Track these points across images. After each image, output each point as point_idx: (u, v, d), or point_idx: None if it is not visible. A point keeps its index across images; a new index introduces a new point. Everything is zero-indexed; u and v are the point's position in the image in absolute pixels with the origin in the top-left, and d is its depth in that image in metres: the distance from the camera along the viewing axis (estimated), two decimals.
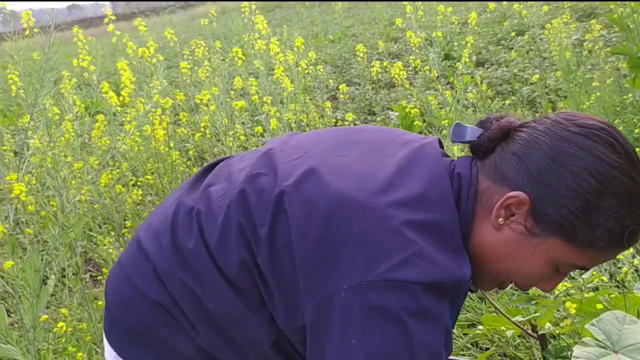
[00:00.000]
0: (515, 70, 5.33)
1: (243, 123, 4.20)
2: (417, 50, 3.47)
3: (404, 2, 3.53)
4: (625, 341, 1.17)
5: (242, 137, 2.74)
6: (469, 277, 0.95)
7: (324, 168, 1.00)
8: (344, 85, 3.89)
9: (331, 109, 5.11)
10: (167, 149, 2.48)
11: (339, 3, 10.79)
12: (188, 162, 3.01)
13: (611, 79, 3.56)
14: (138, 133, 2.44)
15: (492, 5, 5.78)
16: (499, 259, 1.00)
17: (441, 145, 1.10)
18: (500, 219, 0.97)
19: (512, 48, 6.59)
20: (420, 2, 3.50)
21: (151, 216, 1.16)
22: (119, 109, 2.59)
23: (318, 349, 0.92)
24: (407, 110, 3.89)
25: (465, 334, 1.82)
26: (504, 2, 6.75)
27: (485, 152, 1.02)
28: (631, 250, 1.98)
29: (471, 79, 5.35)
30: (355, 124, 5.20)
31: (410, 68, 4.29)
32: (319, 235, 0.93)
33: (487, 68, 6.28)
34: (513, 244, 0.98)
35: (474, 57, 6.56)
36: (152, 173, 2.53)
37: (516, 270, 1.01)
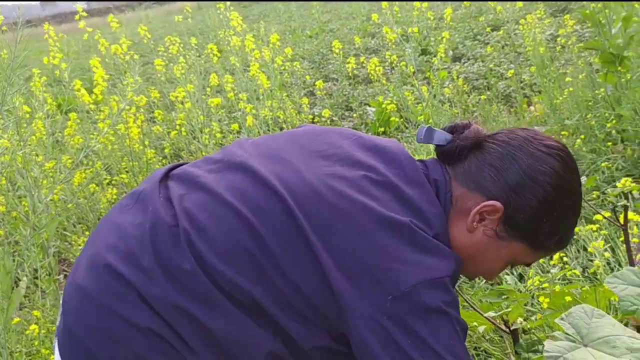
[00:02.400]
0: (491, 65, 5.37)
1: (220, 120, 4.18)
2: (394, 46, 3.48)
3: None
4: (594, 334, 1.19)
5: (219, 135, 2.72)
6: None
7: (320, 183, 1.02)
8: (320, 81, 3.89)
9: (308, 105, 5.11)
10: (141, 147, 2.46)
11: None
12: (164, 161, 2.98)
13: (583, 74, 3.61)
14: (112, 132, 2.40)
15: (467, 2, 5.80)
16: (469, 256, 1.09)
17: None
18: (475, 223, 1.08)
19: (488, 43, 6.63)
20: None
21: (102, 237, 1.05)
22: (92, 106, 2.55)
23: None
24: (383, 106, 3.90)
25: None
26: None
27: (455, 159, 1.10)
28: (602, 244, 2.02)
29: (448, 74, 5.39)
30: (332, 120, 5.21)
31: (387, 63, 4.30)
32: (344, 257, 0.96)
33: (464, 63, 6.31)
34: (482, 245, 1.09)
35: (451, 52, 6.58)
36: (127, 172, 2.50)
37: (481, 267, 1.13)
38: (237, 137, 2.89)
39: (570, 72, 3.87)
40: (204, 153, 2.72)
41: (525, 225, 1.07)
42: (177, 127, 2.84)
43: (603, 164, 2.81)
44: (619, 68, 3.26)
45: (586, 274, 2.27)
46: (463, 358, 0.98)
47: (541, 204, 1.05)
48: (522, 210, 1.05)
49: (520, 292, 1.79)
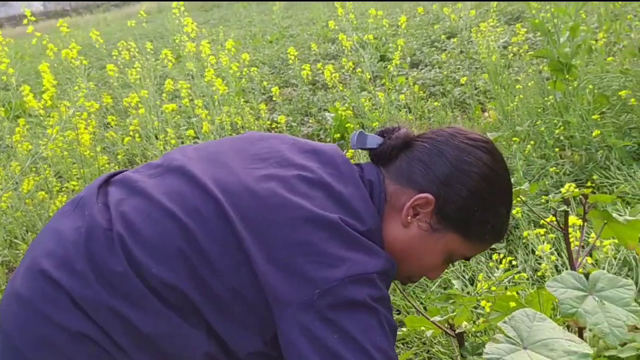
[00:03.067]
0: (445, 73, 5.47)
1: (180, 125, 4.14)
2: (350, 53, 3.51)
3: (337, 4, 3.57)
4: (534, 337, 1.23)
5: (174, 141, 2.70)
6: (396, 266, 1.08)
7: (254, 184, 1.04)
8: (276, 87, 3.89)
9: (267, 111, 5.11)
10: (93, 153, 2.41)
11: (277, 3, 10.76)
12: (116, 167, 2.93)
13: (533, 82, 3.71)
14: (61, 138, 2.35)
15: (420, 9, 5.89)
16: (406, 252, 1.13)
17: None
18: (409, 217, 1.11)
19: (444, 50, 6.75)
20: (351, 5, 3.54)
21: (42, 243, 1.06)
22: (42, 112, 2.49)
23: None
24: (339, 112, 3.93)
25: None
26: (434, 5, 6.92)
27: (388, 159, 1.14)
28: (549, 247, 2.07)
29: (405, 80, 5.48)
30: (290, 126, 5.22)
31: (345, 69, 4.33)
32: (275, 252, 0.98)
33: (421, 69, 6.41)
34: (418, 239, 1.12)
35: (409, 59, 6.68)
36: (78, 179, 2.45)
37: (419, 262, 1.16)
38: (195, 143, 2.87)
39: (522, 80, 3.97)
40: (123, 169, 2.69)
41: (458, 215, 1.10)
42: (131, 133, 2.80)
43: (551, 169, 2.90)
44: (567, 76, 3.37)
45: (535, 277, 2.33)
46: (389, 355, 1.00)
47: (471, 193, 1.09)
48: (453, 200, 1.10)
49: (469, 295, 1.83)
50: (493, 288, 1.92)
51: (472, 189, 1.10)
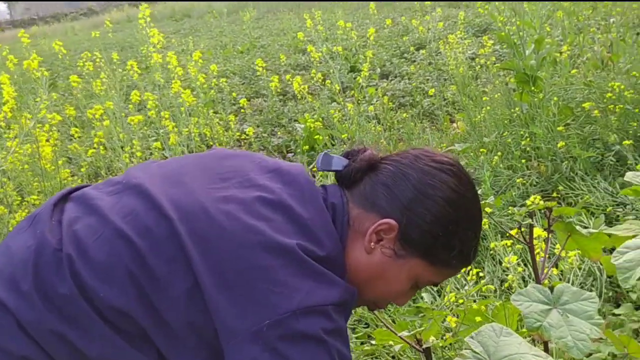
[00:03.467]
0: (414, 84, 5.52)
1: (147, 137, 4.08)
2: (319, 64, 3.51)
3: (304, 16, 3.57)
4: (501, 353, 1.23)
5: (139, 154, 2.65)
6: (357, 294, 1.05)
7: (211, 205, 1.01)
8: (244, 99, 3.87)
9: (236, 122, 5.07)
10: (54, 167, 2.36)
11: (247, 14, 10.76)
12: (79, 181, 2.87)
13: (500, 93, 3.76)
14: (21, 150, 2.29)
15: (389, 21, 5.94)
16: (370, 279, 1.09)
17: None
18: (372, 243, 1.07)
19: (414, 61, 6.82)
20: (320, 16, 3.54)
21: None
22: (2, 124, 2.43)
23: None
24: (308, 123, 3.93)
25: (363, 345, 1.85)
26: (403, 18, 6.98)
27: (353, 182, 1.11)
28: (516, 258, 2.09)
29: (375, 91, 5.51)
30: (262, 137, 5.20)
31: (314, 81, 4.34)
32: (225, 277, 0.95)
33: (391, 80, 6.46)
34: (382, 265, 1.08)
35: (378, 70, 6.72)
36: (39, 192, 2.39)
37: (384, 288, 1.11)
38: (162, 155, 2.83)
39: (489, 91, 4.03)
40: (123, 170, 2.65)
41: (422, 240, 1.07)
42: (96, 145, 2.75)
43: (518, 180, 2.93)
44: (533, 88, 3.42)
45: (502, 288, 2.34)
46: None
47: (435, 218, 1.06)
48: (417, 225, 1.06)
49: (438, 308, 1.82)
50: (461, 301, 1.93)
51: (436, 213, 1.07)
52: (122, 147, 2.64)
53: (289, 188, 1.07)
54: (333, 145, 4.24)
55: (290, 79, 4.83)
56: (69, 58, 3.75)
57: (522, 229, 1.48)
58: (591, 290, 2.22)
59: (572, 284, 2.18)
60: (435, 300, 2.06)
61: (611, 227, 2.36)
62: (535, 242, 1.89)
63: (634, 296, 2.07)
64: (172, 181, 1.07)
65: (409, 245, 1.07)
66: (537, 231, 1.83)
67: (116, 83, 2.95)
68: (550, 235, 1.54)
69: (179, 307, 0.96)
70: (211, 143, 3.77)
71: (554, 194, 2.86)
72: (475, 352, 1.20)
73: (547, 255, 1.54)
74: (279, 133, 5.31)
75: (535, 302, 1.34)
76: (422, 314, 1.57)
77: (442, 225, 1.07)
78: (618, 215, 2.67)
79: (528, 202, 2.10)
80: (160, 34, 2.86)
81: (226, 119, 4.08)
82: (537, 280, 1.51)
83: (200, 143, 3.72)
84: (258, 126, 5.51)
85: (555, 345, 1.29)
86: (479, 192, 3.06)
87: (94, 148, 2.72)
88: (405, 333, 1.41)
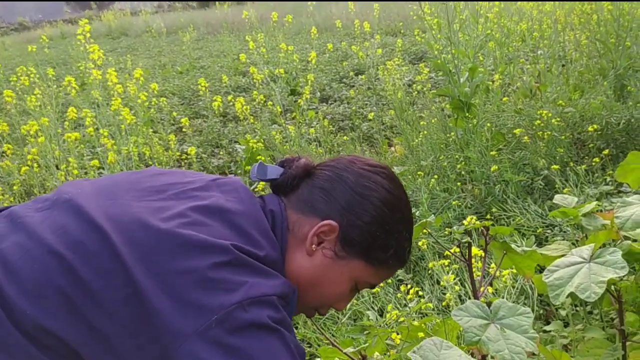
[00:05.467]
0: (354, 108, 5.63)
1: (83, 155, 3.97)
2: (261, 86, 3.53)
3: (247, 38, 3.59)
4: None
5: (76, 172, 2.57)
6: (297, 291, 1.06)
7: (146, 215, 1.00)
8: (186, 119, 3.84)
9: (176, 142, 5.01)
10: None
11: (187, 35, 10.69)
12: (12, 199, 2.76)
13: (435, 119, 3.89)
14: None
15: (330, 45, 6.06)
16: (312, 282, 1.11)
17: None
18: (313, 246, 1.09)
19: (353, 86, 6.96)
20: (262, 39, 3.58)
21: None
22: None
23: None
24: (250, 144, 3.93)
25: None
26: (343, 43, 7.13)
27: (290, 189, 1.14)
28: (453, 277, 2.16)
29: (315, 114, 5.59)
30: (202, 158, 5.15)
31: (256, 102, 4.35)
32: (166, 281, 0.94)
33: (331, 104, 6.56)
34: (324, 267, 1.11)
35: (318, 93, 6.82)
36: None
37: (326, 291, 1.14)
38: (99, 174, 2.76)
39: (426, 116, 4.16)
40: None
41: (361, 240, 1.10)
42: (29, 162, 2.65)
43: (454, 202, 3.03)
44: (467, 114, 3.56)
45: (441, 307, 2.41)
46: None
47: (373, 218, 1.10)
48: (356, 225, 1.10)
49: (381, 327, 1.85)
50: (402, 319, 1.97)
51: (374, 213, 1.11)
52: (57, 166, 2.55)
53: (226, 196, 1.08)
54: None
55: (232, 100, 4.84)
56: (1, 73, 3.60)
57: (461, 247, 1.54)
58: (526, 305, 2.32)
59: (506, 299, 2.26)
60: (377, 320, 2.09)
61: (541, 247, 2.48)
62: (472, 260, 1.97)
63: (563, 313, 2.17)
64: (105, 195, 1.06)
65: (349, 245, 1.10)
66: (474, 250, 1.91)
67: (52, 99, 2.86)
68: (485, 255, 1.61)
69: (119, 319, 0.93)
70: (150, 162, 3.71)
71: (488, 216, 2.97)
72: None
73: (483, 273, 1.61)
74: (219, 154, 5.29)
75: (474, 317, 1.39)
76: (366, 332, 1.59)
77: (380, 225, 1.11)
78: (547, 236, 2.80)
79: (465, 222, 2.19)
80: (100, 50, 2.81)
81: (166, 139, 4.02)
82: (475, 297, 1.57)
83: (140, 162, 3.65)
84: (198, 147, 5.46)
85: (493, 358, 1.34)
86: (417, 213, 3.15)
87: (28, 165, 2.63)
88: (350, 349, 1.43)
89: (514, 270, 1.80)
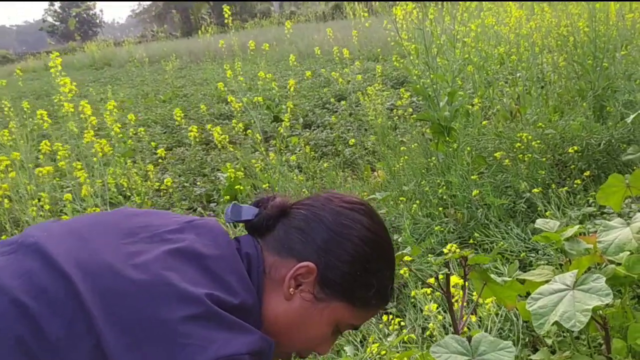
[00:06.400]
0: (336, 134, 5.62)
1: (62, 187, 3.90)
2: (241, 114, 3.50)
3: (225, 67, 3.57)
4: None
5: (47, 206, 2.51)
6: (274, 344, 1.01)
7: (116, 261, 0.96)
8: (162, 149, 3.79)
9: (157, 171, 4.95)
10: None
11: (170, 64, 10.69)
12: None
13: (416, 144, 3.88)
14: None
15: (308, 73, 6.08)
16: (291, 327, 1.07)
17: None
18: (291, 289, 1.05)
19: (336, 112, 6.96)
20: (240, 67, 3.56)
21: None
22: None
23: None
24: (229, 173, 3.89)
25: None
26: (323, 70, 7.16)
27: (265, 230, 1.10)
28: (436, 306, 2.10)
29: (298, 140, 5.56)
30: (184, 186, 5.09)
31: (236, 130, 4.32)
32: (131, 335, 0.89)
33: (314, 130, 6.55)
34: (303, 311, 1.06)
35: (301, 120, 6.81)
36: None
37: (305, 336, 1.09)
38: (73, 207, 2.69)
39: (407, 141, 4.14)
40: (30, 225, 2.49)
41: (341, 281, 1.06)
42: (0, 198, 2.58)
43: (436, 228, 2.99)
44: (447, 138, 3.54)
45: (425, 336, 2.35)
46: None
47: (353, 258, 1.06)
48: (335, 266, 1.06)
49: None
50: (383, 352, 1.91)
51: (353, 253, 1.06)
52: (29, 200, 2.49)
53: (201, 239, 1.04)
54: (256, 194, 4.21)
55: (212, 128, 4.80)
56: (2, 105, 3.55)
57: (440, 278, 1.50)
58: (509, 336, 2.27)
59: (491, 331, 2.21)
60: (358, 353, 2.03)
61: (525, 272, 2.44)
62: (453, 290, 1.92)
63: (549, 341, 2.12)
64: (73, 238, 1.01)
65: (328, 287, 1.06)
66: (455, 279, 1.86)
67: (27, 133, 2.81)
68: (467, 283, 1.56)
69: None
70: (129, 194, 3.65)
71: (471, 241, 2.93)
72: None
73: (464, 303, 1.56)
74: (199, 183, 5.23)
75: (454, 354, 1.34)
76: None
77: (360, 265, 1.07)
78: (531, 261, 2.76)
79: (445, 250, 2.14)
80: (72, 82, 2.77)
81: (145, 169, 3.96)
82: (455, 329, 1.52)
83: (117, 194, 3.59)
84: (180, 175, 5.41)
85: None
86: (399, 239, 3.11)
87: None
88: None
89: (496, 300, 1.76)
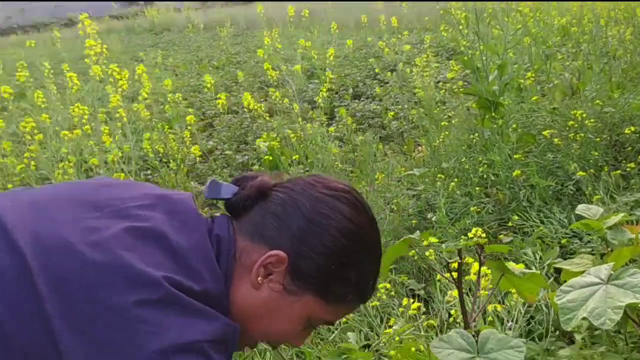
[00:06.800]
0: (385, 105, 5.46)
1: (95, 153, 3.94)
2: (276, 83, 3.40)
3: (265, 35, 3.48)
4: None
5: (71, 170, 2.49)
6: (239, 331, 0.95)
7: (74, 236, 0.90)
8: (191, 116, 3.76)
9: (203, 138, 4.95)
10: None
11: (224, 30, 10.69)
12: None
13: (457, 120, 3.70)
14: None
15: (350, 41, 5.89)
16: (257, 317, 1.00)
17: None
18: (260, 278, 0.98)
19: (387, 82, 6.77)
20: (277, 35, 3.46)
21: None
22: None
23: None
24: (269, 143, 3.82)
25: None
26: (369, 39, 6.96)
27: (242, 211, 1.03)
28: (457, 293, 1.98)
29: (346, 111, 5.44)
30: (227, 154, 5.08)
31: (278, 99, 4.24)
32: (81, 318, 0.84)
33: (362, 101, 6.40)
34: (271, 303, 0.99)
35: (351, 90, 6.67)
36: None
37: (273, 328, 1.02)
38: (98, 173, 2.68)
39: (453, 116, 3.96)
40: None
41: (314, 275, 0.98)
42: (26, 160, 2.59)
43: (472, 209, 2.83)
44: (493, 114, 3.35)
45: (449, 321, 2.23)
46: None
47: (329, 250, 0.98)
48: (308, 258, 0.98)
49: (370, 347, 1.70)
50: (397, 338, 1.81)
51: (330, 245, 0.98)
52: (58, 164, 2.48)
53: (170, 218, 0.97)
54: (300, 164, 4.13)
55: (264, 96, 4.75)
56: (51, 67, 3.57)
57: (449, 266, 1.38)
58: (538, 328, 2.12)
59: (518, 320, 2.07)
60: (373, 332, 1.92)
61: (566, 260, 2.27)
62: (474, 277, 1.79)
63: (579, 337, 1.96)
64: (37, 209, 0.95)
65: (300, 279, 0.99)
66: (476, 267, 1.72)
67: (61, 95, 2.81)
68: (481, 275, 1.43)
69: (25, 349, 0.83)
70: (165, 160, 3.65)
71: (509, 224, 2.77)
72: None
73: (478, 294, 1.44)
74: (242, 151, 5.20)
75: (457, 350, 1.22)
76: (345, 356, 1.45)
77: (337, 258, 0.99)
78: (573, 249, 2.58)
79: (470, 234, 2.00)
80: (104, 45, 2.74)
81: (183, 136, 3.95)
82: (466, 323, 1.40)
83: (155, 159, 3.59)
84: (224, 142, 5.40)
85: None
86: (433, 218, 2.97)
87: (23, 163, 2.57)
88: None
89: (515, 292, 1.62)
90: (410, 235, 1.36)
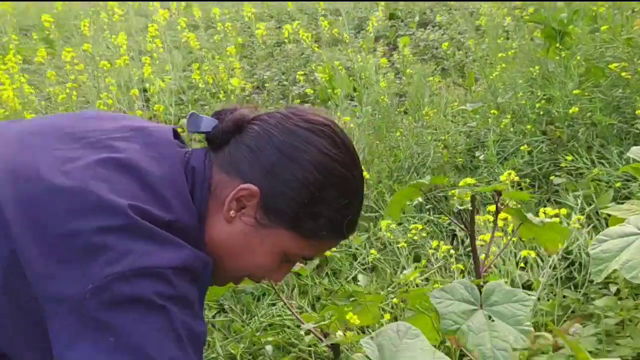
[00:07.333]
0: (451, 35, 5.16)
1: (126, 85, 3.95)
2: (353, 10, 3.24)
3: None
4: (398, 357, 1.07)
5: (110, 101, 2.50)
6: (211, 264, 0.96)
7: (48, 165, 0.92)
8: (232, 47, 3.70)
9: (261, 68, 4.88)
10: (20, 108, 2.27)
11: None
12: None
13: (512, 51, 3.45)
14: None
15: None
16: (232, 252, 1.00)
17: (177, 134, 1.06)
18: (232, 212, 0.98)
19: (457, 10, 6.39)
20: None
21: None
22: None
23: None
24: (328, 74, 3.73)
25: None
26: None
27: (220, 144, 1.01)
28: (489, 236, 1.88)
29: (410, 40, 5.21)
30: (284, 85, 5.01)
31: (346, 27, 4.08)
32: (47, 241, 0.86)
33: (428, 30, 6.09)
34: (244, 237, 0.99)
35: (417, 18, 6.36)
36: None
37: (248, 263, 1.01)
38: (143, 104, 2.70)
39: (516, 47, 3.69)
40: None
41: (286, 208, 0.97)
42: (68, 90, 2.63)
43: (523, 147, 2.67)
44: (558, 45, 3.09)
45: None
46: None
47: (301, 184, 0.96)
48: (280, 191, 0.96)
49: (383, 291, 1.66)
50: (418, 281, 1.76)
51: (302, 179, 0.96)
52: (98, 96, 2.52)
53: (146, 149, 0.97)
54: (353, 97, 4.02)
55: (327, 26, 4.61)
56: None
57: (461, 214, 1.28)
58: (575, 277, 2.00)
59: (555, 268, 1.96)
60: (392, 279, 1.87)
61: (620, 204, 2.12)
62: (501, 224, 1.69)
63: (613, 289, 1.83)
64: (22, 139, 0.98)
65: (272, 213, 0.98)
66: (503, 214, 1.61)
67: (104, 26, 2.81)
68: (496, 222, 1.33)
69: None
70: (214, 90, 3.64)
71: (563, 164, 2.59)
72: (368, 358, 1.04)
73: (491, 244, 1.34)
74: (301, 81, 5.12)
75: (458, 301, 1.16)
76: (353, 299, 1.41)
77: (309, 192, 0.97)
78: (630, 192, 2.40)
79: (502, 177, 1.88)
80: None
81: (231, 67, 3.91)
82: (477, 273, 1.32)
83: (205, 90, 3.58)
84: (283, 73, 5.33)
85: (470, 353, 1.11)
86: (480, 157, 2.82)
87: (65, 94, 2.61)
88: (311, 325, 1.26)
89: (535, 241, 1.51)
90: (420, 180, 1.27)
